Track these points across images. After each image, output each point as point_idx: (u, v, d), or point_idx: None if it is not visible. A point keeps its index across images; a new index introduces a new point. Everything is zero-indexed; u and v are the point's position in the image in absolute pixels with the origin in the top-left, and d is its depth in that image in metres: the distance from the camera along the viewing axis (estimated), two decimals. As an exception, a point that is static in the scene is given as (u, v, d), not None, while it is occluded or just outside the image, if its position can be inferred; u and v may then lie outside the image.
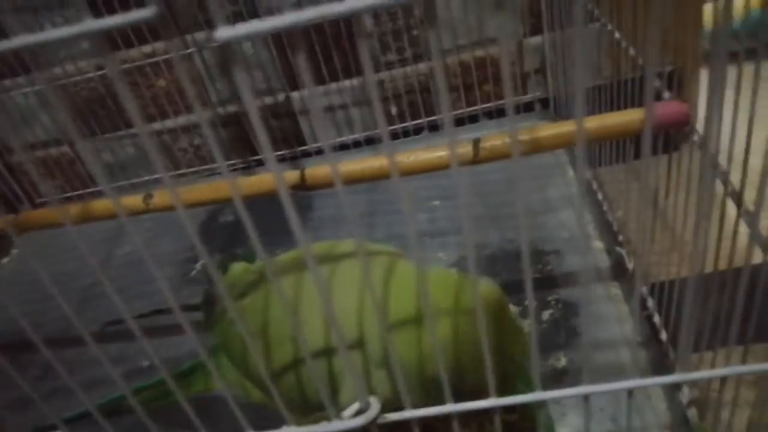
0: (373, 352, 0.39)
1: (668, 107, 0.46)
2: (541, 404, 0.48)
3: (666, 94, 0.48)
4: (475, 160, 0.48)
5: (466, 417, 0.49)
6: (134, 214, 0.53)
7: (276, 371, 0.42)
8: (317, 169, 0.50)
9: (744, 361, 0.36)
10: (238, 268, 0.48)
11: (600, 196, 0.73)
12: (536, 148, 0.48)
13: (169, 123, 0.97)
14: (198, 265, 0.83)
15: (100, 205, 0.52)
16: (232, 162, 1.00)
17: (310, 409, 0.41)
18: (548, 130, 0.48)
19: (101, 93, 0.94)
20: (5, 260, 0.95)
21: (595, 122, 0.47)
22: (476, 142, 0.48)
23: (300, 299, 0.41)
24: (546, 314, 0.64)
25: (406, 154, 0.50)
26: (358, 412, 0.30)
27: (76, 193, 1.03)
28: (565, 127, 0.47)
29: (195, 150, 1.01)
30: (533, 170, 0.82)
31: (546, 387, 0.57)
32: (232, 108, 0.95)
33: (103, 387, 0.47)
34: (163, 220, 0.64)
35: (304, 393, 0.41)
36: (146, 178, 1.02)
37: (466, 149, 0.48)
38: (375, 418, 0.30)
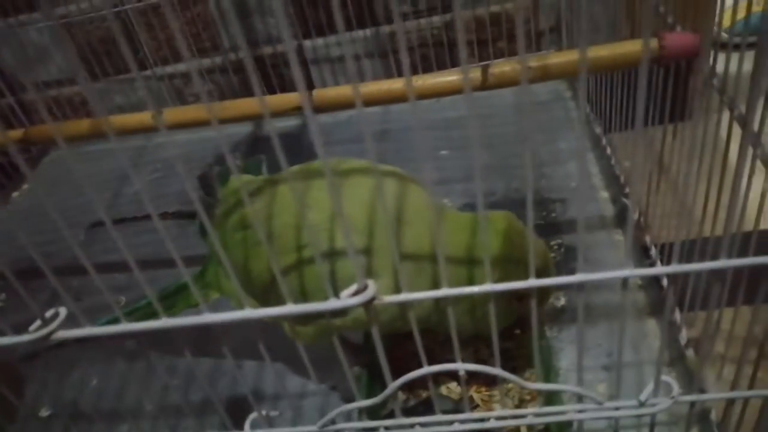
0: (379, 252, 0.40)
1: (678, 38, 0.46)
2: (540, 334, 0.49)
3: (678, 28, 0.48)
4: (484, 85, 0.48)
5: (464, 342, 0.49)
6: (142, 131, 0.53)
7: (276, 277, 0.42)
8: (327, 90, 0.50)
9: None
10: (238, 180, 0.48)
11: (609, 150, 0.73)
12: (544, 75, 0.48)
13: (181, 67, 0.97)
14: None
15: (108, 121, 0.53)
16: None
17: (310, 317, 0.42)
18: (557, 57, 0.47)
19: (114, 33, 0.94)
20: (16, 194, 0.96)
21: (601, 51, 0.47)
22: (485, 68, 0.48)
23: (306, 205, 0.42)
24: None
25: (416, 78, 0.50)
26: (356, 294, 0.31)
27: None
28: (573, 55, 0.47)
29: (207, 95, 1.01)
30: (543, 124, 0.82)
31: (544, 324, 0.59)
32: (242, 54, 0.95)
33: (108, 313, 0.49)
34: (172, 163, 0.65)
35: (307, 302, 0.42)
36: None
37: (475, 74, 0.48)
38: (372, 299, 0.31)
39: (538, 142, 0.79)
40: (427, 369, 0.34)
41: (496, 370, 0.34)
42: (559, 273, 0.62)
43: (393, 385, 0.35)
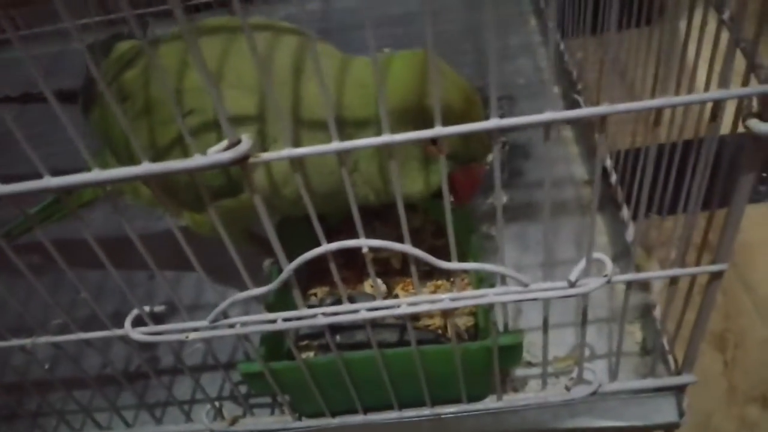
0: (274, 116, 0.34)
1: None
2: (471, 228, 0.44)
3: None
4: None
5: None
6: None
7: (161, 153, 0.36)
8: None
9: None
10: (124, 45, 0.42)
11: (562, 46, 0.68)
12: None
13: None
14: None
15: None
16: None
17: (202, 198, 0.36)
18: None
19: None
20: None
21: None
22: None
23: (188, 64, 0.35)
24: (490, 156, 0.59)
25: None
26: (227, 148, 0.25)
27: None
28: None
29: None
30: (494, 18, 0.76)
31: (484, 223, 0.54)
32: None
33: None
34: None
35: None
36: None
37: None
38: (245, 156, 0.25)
39: (487, 38, 0.73)
40: (325, 247, 0.29)
41: (404, 247, 0.29)
42: (501, 171, 0.58)
43: (288, 267, 0.30)
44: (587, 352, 0.41)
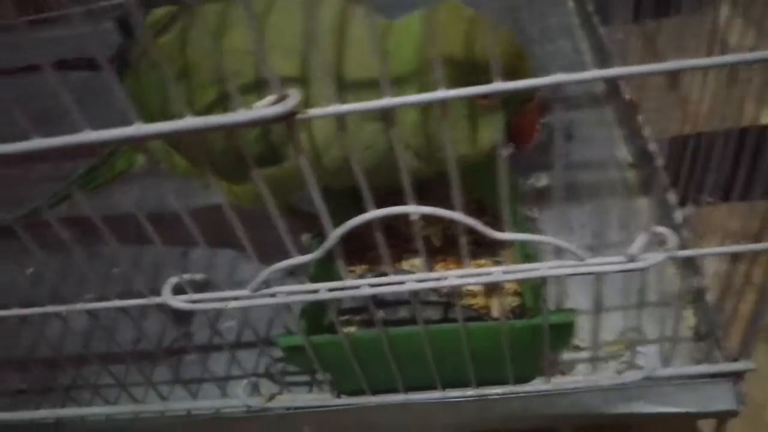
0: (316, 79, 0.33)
1: None
2: (516, 202, 0.43)
3: None
4: None
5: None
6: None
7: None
8: None
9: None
10: (158, 12, 0.41)
11: (601, 30, 0.66)
12: None
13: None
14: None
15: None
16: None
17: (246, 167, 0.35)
18: None
19: None
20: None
21: None
22: None
23: (228, 24, 0.34)
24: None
25: None
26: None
27: None
28: None
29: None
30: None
31: (524, 203, 0.53)
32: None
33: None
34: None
35: (235, 146, 0.35)
36: None
37: None
38: (293, 112, 0.24)
39: (526, 19, 0.71)
40: (373, 213, 0.28)
41: (455, 214, 0.28)
42: (542, 153, 0.56)
43: (334, 233, 0.29)
44: (637, 337, 0.40)
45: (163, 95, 0.37)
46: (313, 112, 0.24)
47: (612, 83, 0.60)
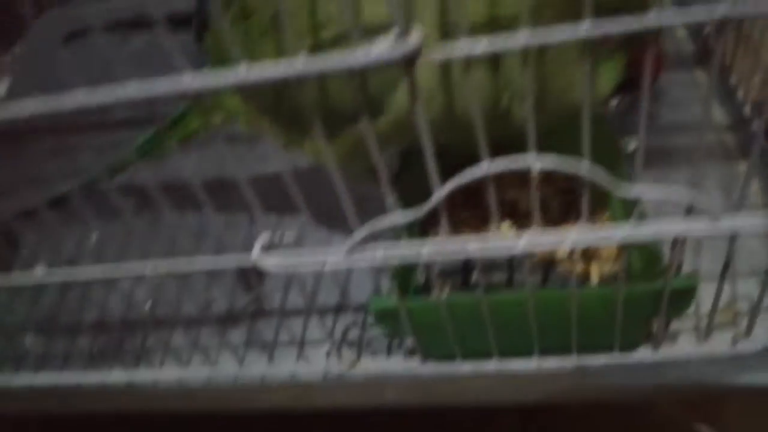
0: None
1: None
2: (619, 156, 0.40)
3: None
4: None
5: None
6: None
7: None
8: None
9: None
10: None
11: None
12: None
13: None
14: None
15: None
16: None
17: (337, 123, 0.33)
18: None
19: None
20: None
21: None
22: None
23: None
24: (615, 99, 0.54)
25: None
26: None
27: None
28: None
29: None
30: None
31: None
32: None
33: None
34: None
35: (328, 99, 0.33)
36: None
37: None
38: (415, 53, 0.22)
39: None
40: (487, 166, 0.26)
41: (582, 166, 0.25)
42: (629, 115, 0.53)
43: (441, 190, 0.27)
44: (746, 306, 0.37)
45: (248, 49, 0.35)
46: (436, 54, 0.22)
47: (702, 43, 0.56)
